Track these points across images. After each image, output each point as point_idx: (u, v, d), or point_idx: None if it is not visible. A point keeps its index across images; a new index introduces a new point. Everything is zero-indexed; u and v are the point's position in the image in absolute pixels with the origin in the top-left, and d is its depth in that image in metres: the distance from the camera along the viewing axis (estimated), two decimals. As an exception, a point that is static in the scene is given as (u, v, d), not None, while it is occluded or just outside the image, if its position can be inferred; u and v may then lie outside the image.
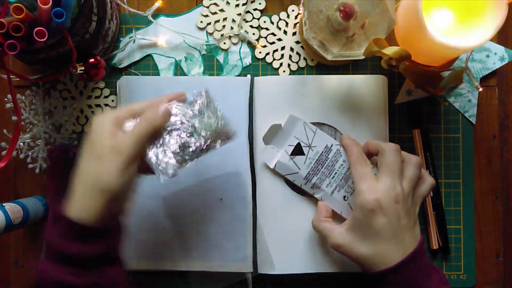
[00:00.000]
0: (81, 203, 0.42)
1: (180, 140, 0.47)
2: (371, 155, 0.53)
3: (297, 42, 0.61)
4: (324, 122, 0.59)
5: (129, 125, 0.46)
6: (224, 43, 0.61)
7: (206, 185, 0.58)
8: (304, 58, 0.61)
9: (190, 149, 0.48)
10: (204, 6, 0.61)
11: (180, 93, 0.49)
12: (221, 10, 0.61)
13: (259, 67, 0.61)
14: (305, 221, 0.57)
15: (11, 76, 0.51)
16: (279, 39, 0.61)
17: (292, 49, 0.61)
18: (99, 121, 0.44)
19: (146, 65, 0.61)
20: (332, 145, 0.56)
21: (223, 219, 0.58)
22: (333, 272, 0.58)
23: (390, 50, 0.48)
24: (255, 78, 0.59)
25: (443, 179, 0.61)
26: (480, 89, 0.56)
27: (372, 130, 0.58)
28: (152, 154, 0.46)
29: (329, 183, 0.55)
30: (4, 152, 0.56)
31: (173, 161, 0.47)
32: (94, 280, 0.42)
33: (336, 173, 0.55)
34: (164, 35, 0.61)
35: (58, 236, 0.42)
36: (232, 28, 0.61)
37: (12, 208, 0.53)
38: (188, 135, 0.48)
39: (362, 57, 0.53)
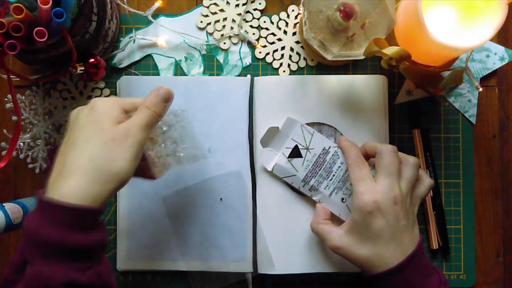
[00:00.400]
0: (90, 189, 0.38)
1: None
2: (369, 156, 0.53)
3: (297, 42, 0.61)
4: (324, 122, 0.59)
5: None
6: (224, 43, 0.61)
7: (206, 185, 0.58)
8: (304, 58, 0.61)
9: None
10: (204, 6, 0.61)
11: (168, 95, 0.45)
12: (221, 10, 0.61)
13: (259, 67, 0.61)
14: (305, 221, 0.57)
15: (11, 76, 0.51)
16: (279, 39, 0.61)
17: (292, 49, 0.61)
18: (105, 102, 0.42)
19: (146, 65, 0.61)
20: (329, 147, 0.56)
21: (223, 219, 0.58)
22: (333, 272, 0.58)
23: (390, 50, 0.48)
24: (255, 78, 0.59)
25: (443, 179, 0.61)
26: (480, 89, 0.56)
27: (372, 130, 0.58)
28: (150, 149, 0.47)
29: (327, 185, 0.55)
30: (4, 152, 0.56)
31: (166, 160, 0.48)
32: (98, 270, 0.39)
33: (334, 175, 0.55)
34: (164, 35, 0.61)
35: (58, 229, 0.37)
36: (232, 28, 0.61)
37: (12, 208, 0.53)
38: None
39: (362, 57, 0.53)
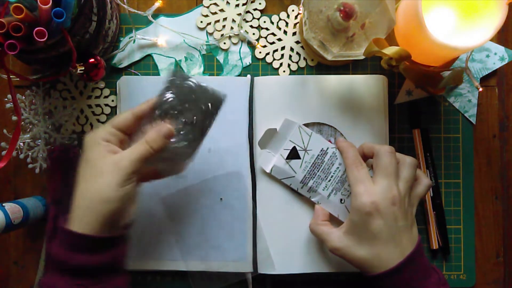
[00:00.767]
0: (83, 217, 0.44)
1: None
2: (366, 157, 0.53)
3: (297, 42, 0.61)
4: (324, 122, 0.59)
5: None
6: (224, 43, 0.61)
7: (206, 185, 0.58)
8: (304, 58, 0.61)
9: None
10: (204, 6, 0.61)
11: (169, 133, 0.47)
12: (221, 10, 0.61)
13: (259, 67, 0.61)
14: (305, 221, 0.57)
15: (11, 76, 0.51)
16: (279, 39, 0.61)
17: (292, 49, 0.61)
18: (92, 139, 0.46)
19: (146, 65, 0.61)
20: (327, 148, 0.56)
21: (223, 219, 0.58)
22: (333, 272, 0.58)
23: (390, 50, 0.48)
24: (255, 78, 0.59)
25: (443, 179, 0.61)
26: (480, 89, 0.56)
27: (372, 130, 0.58)
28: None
29: (326, 186, 0.55)
30: (4, 152, 0.56)
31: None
32: (103, 287, 0.44)
33: (332, 176, 0.55)
34: (164, 35, 0.61)
35: (63, 248, 0.43)
36: (232, 28, 0.61)
37: (12, 208, 0.53)
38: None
39: (362, 57, 0.53)
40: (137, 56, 0.61)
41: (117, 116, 0.48)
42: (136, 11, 0.59)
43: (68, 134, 0.60)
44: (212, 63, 0.61)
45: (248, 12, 0.61)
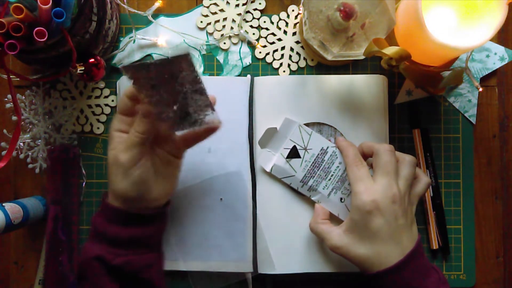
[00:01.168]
0: (115, 197, 0.48)
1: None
2: (366, 156, 0.53)
3: (297, 42, 0.61)
4: (324, 122, 0.59)
5: None
6: (224, 43, 0.61)
7: (206, 185, 0.58)
8: (304, 58, 0.61)
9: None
10: (204, 6, 0.61)
11: (144, 112, 0.47)
12: (221, 10, 0.61)
13: (259, 67, 0.61)
14: (305, 221, 0.57)
15: (11, 76, 0.51)
16: (279, 39, 0.61)
17: (292, 49, 0.61)
18: (110, 131, 0.49)
19: (146, 65, 0.61)
20: (328, 147, 0.56)
21: (223, 219, 0.58)
22: (333, 272, 0.58)
23: (390, 50, 0.48)
24: (255, 78, 0.59)
25: (443, 179, 0.61)
26: (480, 89, 0.56)
27: (372, 130, 0.58)
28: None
29: (326, 186, 0.55)
30: (4, 152, 0.56)
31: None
32: (128, 259, 0.47)
33: (332, 175, 0.55)
34: (164, 35, 0.61)
35: (101, 218, 0.48)
36: (232, 28, 0.61)
37: (12, 208, 0.53)
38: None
39: (362, 57, 0.53)
40: (137, 56, 0.61)
41: (118, 101, 0.50)
42: (136, 11, 0.59)
43: (68, 134, 0.60)
44: (212, 63, 0.61)
45: (248, 12, 0.61)
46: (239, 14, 0.61)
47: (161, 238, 0.53)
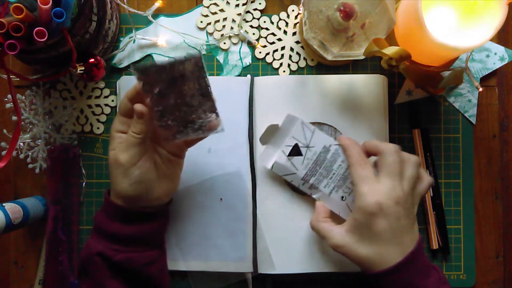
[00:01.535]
0: (115, 197, 0.49)
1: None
2: (369, 155, 0.53)
3: (297, 42, 0.61)
4: (324, 122, 0.59)
5: None
6: (224, 43, 0.61)
7: (206, 185, 0.58)
8: (304, 58, 0.61)
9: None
10: (204, 6, 0.61)
11: (139, 112, 0.48)
12: (221, 10, 0.61)
13: (259, 67, 0.61)
14: (305, 220, 0.57)
15: (11, 76, 0.51)
16: (279, 39, 0.61)
17: (292, 49, 0.61)
18: (111, 132, 0.49)
19: (146, 65, 0.61)
20: (330, 145, 0.55)
21: (223, 219, 0.58)
22: (333, 272, 0.58)
23: (390, 50, 0.48)
24: (255, 78, 0.59)
25: (443, 179, 0.61)
26: (480, 89, 0.56)
27: (372, 130, 0.58)
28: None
29: (327, 184, 0.55)
30: (4, 152, 0.56)
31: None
32: (129, 256, 0.48)
33: (334, 173, 0.55)
34: (164, 35, 0.61)
35: (103, 216, 0.49)
36: (232, 28, 0.61)
37: (12, 208, 0.53)
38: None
39: (362, 57, 0.53)
40: (137, 56, 0.61)
41: (120, 102, 0.51)
42: (136, 11, 0.59)
43: (68, 134, 0.60)
44: (212, 63, 0.61)
45: (248, 12, 0.61)
46: (239, 14, 0.61)
47: (163, 236, 0.53)
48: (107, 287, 0.48)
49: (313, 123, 0.58)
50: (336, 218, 0.55)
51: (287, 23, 0.61)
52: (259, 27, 0.61)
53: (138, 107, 0.46)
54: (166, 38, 0.61)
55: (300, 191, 0.57)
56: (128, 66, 0.61)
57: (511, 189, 0.61)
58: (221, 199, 0.58)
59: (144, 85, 0.46)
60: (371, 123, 0.58)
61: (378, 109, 0.58)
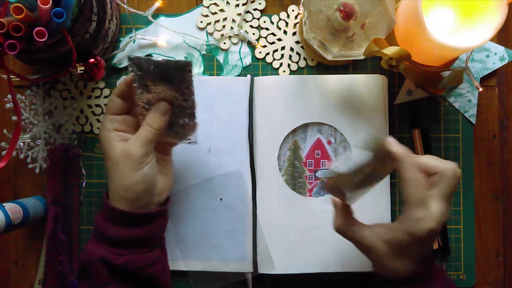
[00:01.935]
0: (117, 197, 0.48)
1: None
2: (425, 173, 0.46)
3: (297, 42, 0.61)
4: (324, 122, 0.59)
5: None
6: (224, 43, 0.61)
7: (206, 185, 0.58)
8: (304, 58, 0.61)
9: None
10: (204, 6, 0.61)
11: (166, 110, 0.50)
12: (221, 10, 0.61)
13: (259, 67, 0.61)
14: (305, 221, 0.57)
15: (11, 76, 0.51)
16: (279, 39, 0.61)
17: (292, 49, 0.61)
18: (103, 134, 0.49)
19: (146, 65, 0.61)
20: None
21: (223, 219, 0.58)
22: (333, 272, 0.58)
23: (390, 50, 0.48)
24: (255, 78, 0.59)
25: (443, 179, 0.61)
26: (480, 89, 0.56)
27: (372, 130, 0.58)
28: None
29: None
30: (4, 152, 0.56)
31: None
32: (131, 259, 0.48)
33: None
34: (164, 35, 0.61)
35: (102, 219, 0.49)
36: (232, 28, 0.61)
37: (12, 208, 0.53)
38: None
39: (362, 57, 0.53)
40: (137, 56, 0.61)
41: (108, 102, 0.50)
42: (136, 11, 0.59)
43: (68, 134, 0.60)
44: (212, 63, 0.61)
45: (248, 12, 0.61)
46: (239, 14, 0.61)
47: (162, 235, 0.53)
48: None
49: (313, 123, 0.58)
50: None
51: (287, 23, 0.61)
52: (259, 27, 0.61)
53: (163, 103, 0.48)
54: (166, 38, 0.61)
55: (302, 191, 0.57)
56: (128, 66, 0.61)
57: (511, 189, 0.61)
58: (221, 199, 0.58)
59: (135, 76, 0.48)
60: (371, 123, 0.58)
61: (378, 109, 0.58)
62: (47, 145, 0.60)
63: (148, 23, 0.61)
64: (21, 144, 0.60)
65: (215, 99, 0.59)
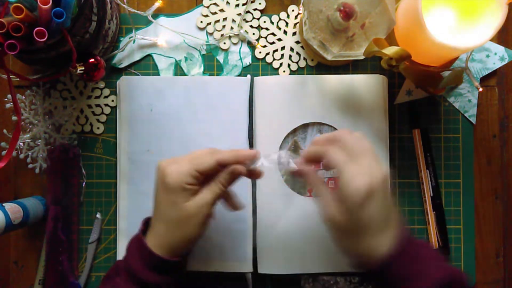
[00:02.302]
0: (163, 244, 0.48)
1: None
2: (314, 162, 0.49)
3: (297, 42, 0.61)
4: (324, 122, 0.59)
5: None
6: (224, 43, 0.61)
7: (206, 185, 0.58)
8: (304, 58, 0.61)
9: None
10: (204, 6, 0.61)
11: (252, 154, 0.49)
12: (221, 10, 0.61)
13: (259, 67, 0.61)
14: (305, 221, 0.57)
15: (11, 76, 0.51)
16: (279, 39, 0.61)
17: (292, 49, 0.61)
18: (177, 183, 0.47)
19: (146, 65, 0.61)
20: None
21: (223, 219, 0.58)
22: (333, 272, 0.57)
23: (390, 50, 0.48)
24: (255, 78, 0.59)
25: (443, 179, 0.61)
26: (480, 89, 0.56)
27: (372, 130, 0.58)
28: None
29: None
30: (4, 152, 0.56)
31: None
32: None
33: None
34: (164, 35, 0.61)
35: (140, 263, 0.47)
36: (232, 28, 0.61)
37: (12, 208, 0.53)
38: None
39: (362, 57, 0.53)
40: (137, 56, 0.61)
41: (199, 158, 0.48)
42: (136, 11, 0.59)
43: (68, 134, 0.60)
44: (212, 63, 0.61)
45: (248, 12, 0.61)
46: (239, 14, 0.61)
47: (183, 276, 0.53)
48: None
49: (313, 123, 0.58)
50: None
51: (287, 23, 0.61)
52: (259, 27, 0.61)
53: (236, 167, 0.48)
54: (166, 38, 0.61)
55: (302, 191, 0.57)
56: (128, 66, 0.61)
57: (511, 189, 0.61)
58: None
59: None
60: (371, 123, 0.58)
61: (378, 109, 0.58)
62: (47, 145, 0.60)
63: (148, 23, 0.61)
64: (21, 144, 0.60)
65: (215, 99, 0.59)
